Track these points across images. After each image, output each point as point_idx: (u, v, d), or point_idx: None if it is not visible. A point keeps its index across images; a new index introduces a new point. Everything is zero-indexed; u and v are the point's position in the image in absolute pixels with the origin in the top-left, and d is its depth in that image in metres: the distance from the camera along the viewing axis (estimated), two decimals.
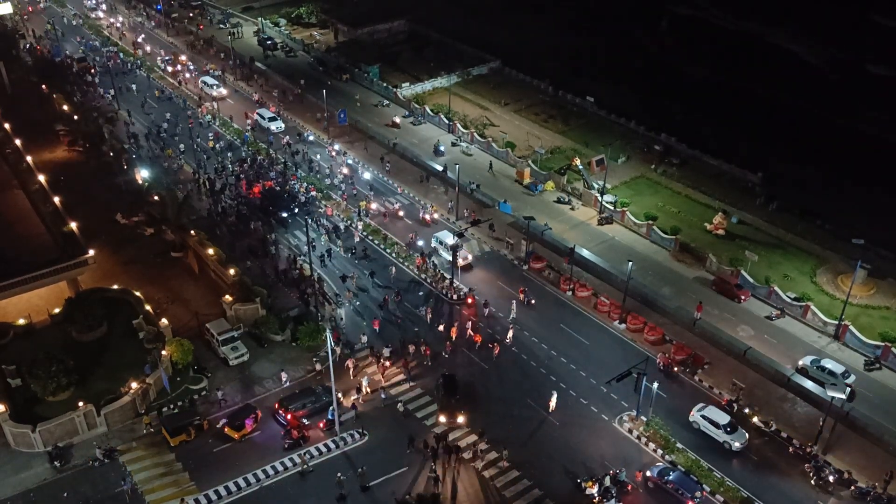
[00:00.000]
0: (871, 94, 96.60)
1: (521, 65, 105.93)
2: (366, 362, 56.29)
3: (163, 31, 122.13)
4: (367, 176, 79.23)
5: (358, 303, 62.26)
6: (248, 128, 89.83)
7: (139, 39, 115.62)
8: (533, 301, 62.23)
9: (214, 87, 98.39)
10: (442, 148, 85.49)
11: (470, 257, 67.04)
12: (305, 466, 47.90)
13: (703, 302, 61.75)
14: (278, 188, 76.00)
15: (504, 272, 66.29)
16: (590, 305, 62.46)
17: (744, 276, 63.80)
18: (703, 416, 50.84)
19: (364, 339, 58.06)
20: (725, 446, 49.55)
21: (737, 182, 79.92)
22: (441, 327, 58.88)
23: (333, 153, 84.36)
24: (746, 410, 52.19)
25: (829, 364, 55.15)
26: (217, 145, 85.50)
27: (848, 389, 52.54)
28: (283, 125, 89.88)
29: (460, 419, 50.62)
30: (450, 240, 65.31)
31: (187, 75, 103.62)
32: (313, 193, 76.07)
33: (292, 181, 77.84)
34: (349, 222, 72.11)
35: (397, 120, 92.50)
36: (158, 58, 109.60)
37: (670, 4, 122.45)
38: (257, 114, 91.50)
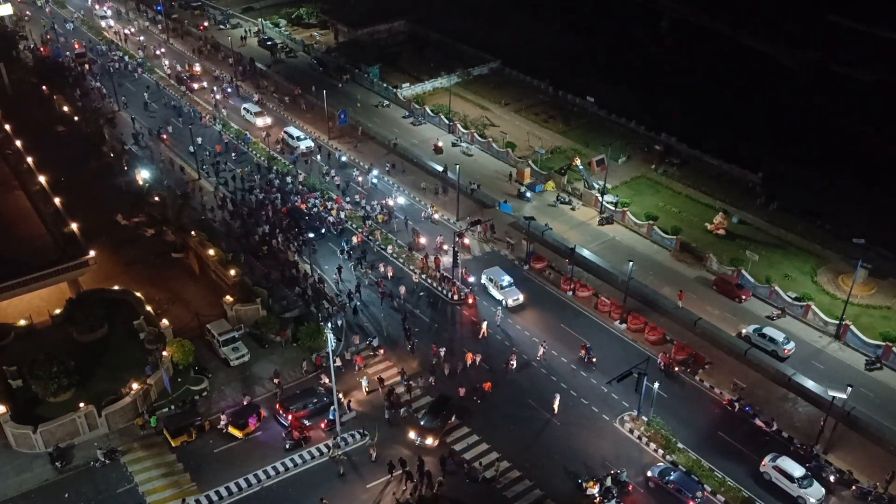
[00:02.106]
0: (840, 94, 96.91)
1: (521, 65, 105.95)
2: (372, 359, 56.57)
3: (165, 34, 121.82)
4: (401, 200, 75.52)
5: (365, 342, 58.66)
6: (273, 144, 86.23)
7: (157, 53, 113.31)
8: (594, 359, 56.38)
9: (258, 117, 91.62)
10: (528, 195, 76.83)
11: (521, 298, 61.98)
12: (336, 452, 48.42)
13: (704, 302, 61.99)
14: (312, 209, 73.42)
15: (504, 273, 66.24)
16: (590, 305, 62.47)
17: (744, 275, 63.82)
18: (774, 468, 47.21)
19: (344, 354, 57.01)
20: (800, 501, 46.16)
21: (737, 182, 79.94)
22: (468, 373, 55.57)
23: (360, 177, 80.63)
24: (818, 454, 49.02)
25: (769, 332, 57.47)
26: (246, 169, 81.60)
27: (787, 355, 56.51)
28: (312, 144, 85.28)
29: (429, 440, 49.51)
30: (503, 278, 62.51)
31: (219, 96, 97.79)
32: (344, 214, 72.93)
33: (311, 199, 74.71)
34: (381, 245, 68.90)
35: (440, 144, 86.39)
36: (168, 67, 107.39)
37: (655, 4, 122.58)
38: (284, 132, 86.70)
